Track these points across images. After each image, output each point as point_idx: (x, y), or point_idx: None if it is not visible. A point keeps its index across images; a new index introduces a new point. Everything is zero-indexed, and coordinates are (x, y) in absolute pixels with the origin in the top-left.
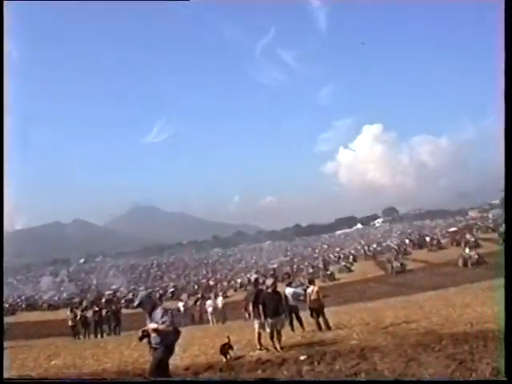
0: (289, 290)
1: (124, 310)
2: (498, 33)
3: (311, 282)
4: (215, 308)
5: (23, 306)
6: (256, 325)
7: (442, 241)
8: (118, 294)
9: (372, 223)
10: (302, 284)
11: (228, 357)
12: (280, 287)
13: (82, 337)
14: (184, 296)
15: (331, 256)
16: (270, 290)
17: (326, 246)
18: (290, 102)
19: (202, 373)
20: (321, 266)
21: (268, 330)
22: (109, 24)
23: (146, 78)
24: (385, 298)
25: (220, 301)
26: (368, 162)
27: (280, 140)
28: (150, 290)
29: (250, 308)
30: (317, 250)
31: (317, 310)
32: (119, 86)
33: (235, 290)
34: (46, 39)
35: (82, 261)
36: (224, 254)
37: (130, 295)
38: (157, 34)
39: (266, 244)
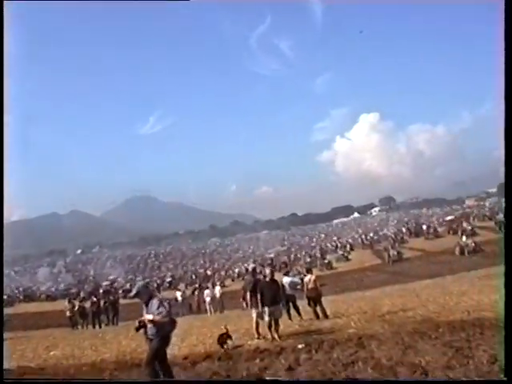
0: (286, 279)
1: (122, 300)
2: (495, 22)
3: (308, 271)
4: (213, 298)
5: (21, 297)
6: (254, 314)
7: (439, 229)
8: (116, 284)
9: (369, 212)
10: (299, 273)
11: (225, 346)
12: (277, 276)
13: (80, 327)
14: (182, 286)
15: (328, 245)
16: (267, 279)
17: (323, 235)
18: (286, 92)
19: (201, 362)
20: (318, 255)
21: (266, 319)
22: (109, 24)
23: (145, 73)
24: (382, 287)
25: (218, 290)
26: (365, 150)
27: (276, 129)
28: (147, 280)
29: (248, 297)
30: (314, 239)
31: (314, 299)
32: (119, 86)
33: (233, 280)
34: (46, 39)
35: (79, 251)
36: (221, 244)
37: (128, 285)
38: (157, 34)
39: (263, 233)
